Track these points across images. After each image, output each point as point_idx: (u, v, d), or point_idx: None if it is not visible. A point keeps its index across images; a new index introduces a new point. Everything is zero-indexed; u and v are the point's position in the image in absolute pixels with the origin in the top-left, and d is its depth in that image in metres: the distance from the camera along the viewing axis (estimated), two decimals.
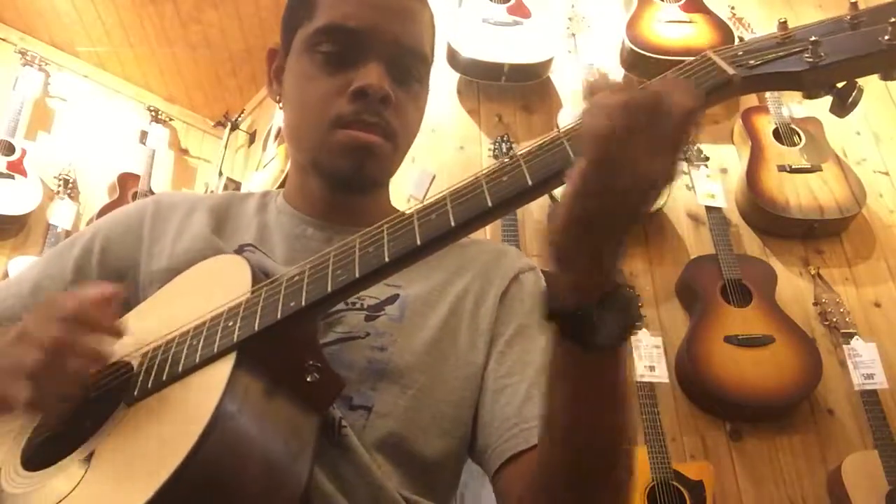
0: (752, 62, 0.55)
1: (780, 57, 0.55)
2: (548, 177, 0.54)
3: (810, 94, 0.56)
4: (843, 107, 0.55)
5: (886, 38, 0.52)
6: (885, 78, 0.54)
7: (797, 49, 0.55)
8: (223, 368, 0.58)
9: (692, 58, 0.58)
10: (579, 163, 0.51)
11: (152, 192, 3.67)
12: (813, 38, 0.54)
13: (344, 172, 0.79)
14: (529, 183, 0.55)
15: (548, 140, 0.56)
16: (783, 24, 0.57)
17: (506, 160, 0.57)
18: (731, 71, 0.55)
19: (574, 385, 0.60)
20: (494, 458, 0.72)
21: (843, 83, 0.55)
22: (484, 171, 0.58)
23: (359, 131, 0.77)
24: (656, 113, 0.50)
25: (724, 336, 2.08)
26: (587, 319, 0.54)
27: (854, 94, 0.55)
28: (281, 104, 0.88)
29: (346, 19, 0.79)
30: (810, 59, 0.54)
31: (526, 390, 0.74)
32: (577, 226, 0.53)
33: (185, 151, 4.32)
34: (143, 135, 3.97)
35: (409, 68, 0.82)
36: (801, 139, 2.46)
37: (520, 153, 0.57)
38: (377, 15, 0.79)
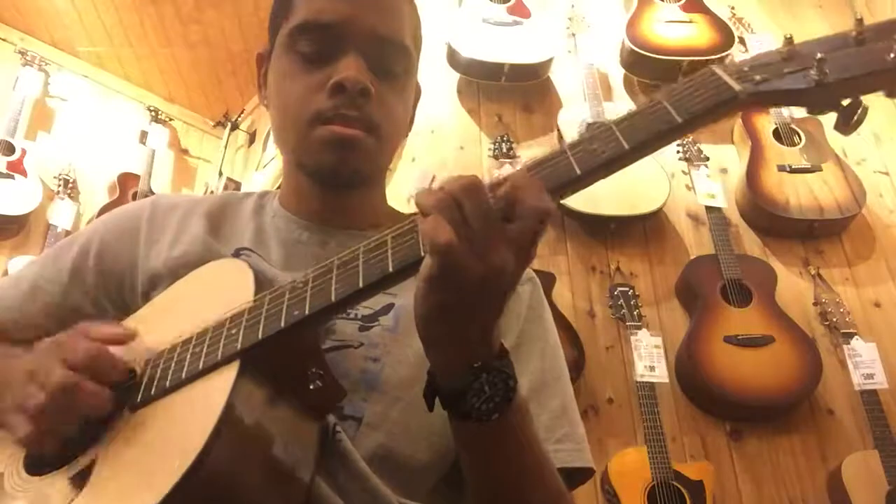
0: (757, 78, 0.54)
1: (786, 74, 0.54)
2: (551, 189, 0.55)
3: (814, 111, 0.56)
4: (847, 125, 0.55)
5: (892, 55, 0.51)
6: (890, 95, 0.54)
7: (802, 66, 0.54)
8: (227, 375, 0.58)
9: (699, 72, 0.57)
10: (426, 260, 0.53)
11: (152, 193, 3.68)
12: (819, 56, 0.53)
13: (327, 168, 0.78)
14: None
15: (551, 154, 0.57)
16: (789, 40, 0.56)
17: (507, 164, 0.58)
18: (737, 87, 0.54)
19: (473, 457, 0.64)
20: None
21: (849, 101, 0.54)
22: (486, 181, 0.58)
23: (339, 126, 0.76)
24: (502, 217, 0.52)
25: (724, 336, 2.08)
26: (459, 394, 0.57)
27: (859, 112, 0.54)
28: (268, 108, 0.87)
29: (321, 14, 0.78)
30: (816, 77, 0.53)
31: None
32: (436, 314, 0.55)
33: (185, 151, 4.32)
34: (143, 135, 3.98)
35: (390, 60, 0.80)
36: (801, 139, 2.46)
37: (525, 164, 0.57)
38: (352, 8, 0.78)
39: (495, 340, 0.58)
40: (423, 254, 0.55)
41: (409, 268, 0.56)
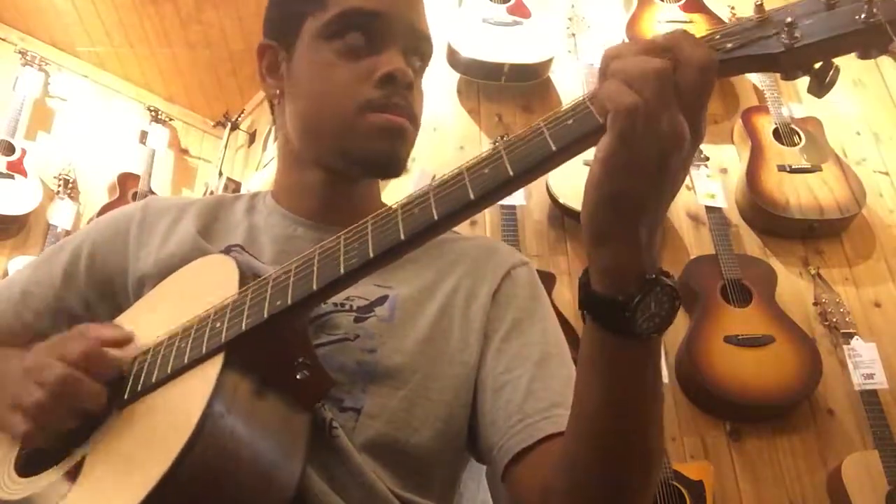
0: (729, 45, 0.55)
1: (757, 39, 0.55)
2: (529, 167, 0.54)
3: (788, 76, 0.56)
4: (820, 87, 0.55)
5: (862, 16, 0.52)
6: (863, 57, 0.54)
7: (773, 31, 0.54)
8: (212, 368, 0.58)
9: None
10: (605, 138, 0.50)
11: (152, 192, 3.68)
12: (789, 20, 0.53)
13: (378, 155, 0.80)
14: (511, 174, 0.54)
15: (529, 130, 0.56)
16: (759, 7, 0.57)
17: (488, 150, 0.57)
18: None
19: (608, 376, 0.58)
20: (502, 456, 0.71)
21: (820, 63, 0.55)
22: (466, 164, 0.58)
23: (393, 114, 0.79)
24: (678, 74, 0.50)
25: (724, 336, 2.08)
26: (625, 306, 0.52)
27: (831, 73, 0.54)
28: (277, 100, 0.87)
29: (366, 2, 0.80)
30: (787, 41, 0.53)
31: (527, 385, 0.73)
32: (609, 203, 0.51)
33: (185, 151, 4.32)
34: (143, 135, 3.97)
35: (422, 54, 0.84)
36: (801, 139, 2.46)
37: (501, 143, 0.56)
38: (392, 1, 0.81)
39: (658, 256, 0.54)
40: (402, 237, 0.55)
41: (390, 252, 0.57)
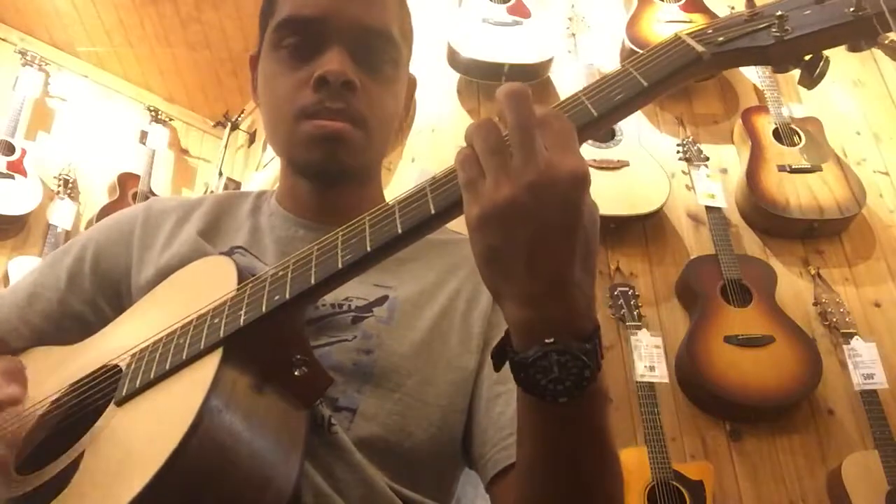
0: (720, 39, 0.56)
1: (748, 33, 0.56)
2: None
3: (779, 68, 0.57)
4: (810, 79, 0.56)
5: (851, 9, 0.53)
6: (852, 49, 0.55)
7: (764, 24, 0.55)
8: (210, 364, 0.58)
9: (665, 39, 0.58)
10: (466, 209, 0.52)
11: (152, 192, 3.68)
12: (779, 13, 0.55)
13: (316, 164, 0.78)
14: None
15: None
16: (751, 1, 0.58)
17: None
18: (700, 49, 0.56)
19: (531, 434, 0.57)
20: (489, 468, 0.71)
21: (811, 56, 0.56)
22: None
23: (324, 120, 0.76)
24: (497, 131, 0.51)
25: (724, 336, 2.08)
26: (521, 366, 0.50)
27: (821, 65, 0.55)
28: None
29: (303, 9, 0.78)
30: (777, 34, 0.54)
31: None
32: (484, 260, 0.52)
33: (185, 151, 4.32)
34: (143, 135, 3.98)
35: (376, 51, 0.80)
36: (801, 139, 2.46)
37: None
38: (334, 1, 0.78)
39: (580, 316, 0.50)
40: (399, 231, 0.56)
41: (387, 247, 0.57)
